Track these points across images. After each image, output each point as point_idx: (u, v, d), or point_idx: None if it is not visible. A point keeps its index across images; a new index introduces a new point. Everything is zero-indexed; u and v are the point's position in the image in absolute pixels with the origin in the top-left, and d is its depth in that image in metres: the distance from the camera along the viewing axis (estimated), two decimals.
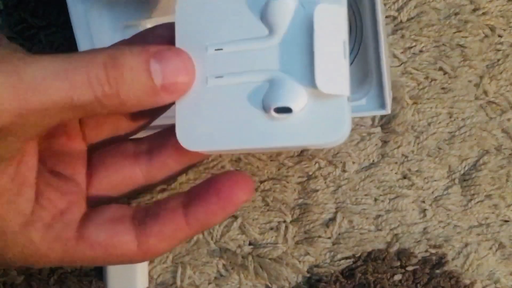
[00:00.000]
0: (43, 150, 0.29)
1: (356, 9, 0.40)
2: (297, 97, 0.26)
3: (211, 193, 0.28)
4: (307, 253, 0.43)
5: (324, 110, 0.26)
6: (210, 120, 0.28)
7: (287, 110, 0.26)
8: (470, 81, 0.44)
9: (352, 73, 0.40)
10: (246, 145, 0.27)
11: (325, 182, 0.43)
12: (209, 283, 0.43)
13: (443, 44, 0.44)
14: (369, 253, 0.42)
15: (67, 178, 0.30)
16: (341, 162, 0.43)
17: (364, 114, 0.37)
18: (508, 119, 0.43)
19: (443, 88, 0.43)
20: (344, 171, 0.43)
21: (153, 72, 0.26)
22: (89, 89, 0.25)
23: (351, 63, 0.40)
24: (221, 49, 0.27)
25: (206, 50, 0.28)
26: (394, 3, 0.44)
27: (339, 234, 0.43)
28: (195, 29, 0.28)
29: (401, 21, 0.44)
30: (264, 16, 0.27)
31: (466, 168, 0.43)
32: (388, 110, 0.37)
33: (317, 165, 0.43)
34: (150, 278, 0.44)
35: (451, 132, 0.43)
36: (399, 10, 0.44)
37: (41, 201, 0.28)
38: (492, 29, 0.44)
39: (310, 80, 0.26)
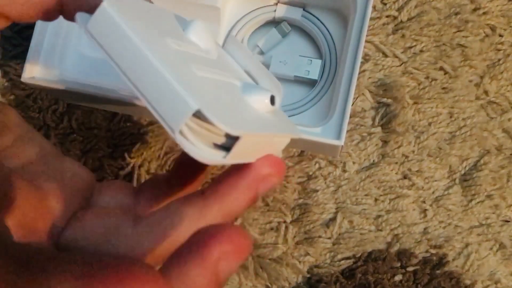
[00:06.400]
0: None
1: (330, 37, 0.40)
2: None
3: (190, 250, 0.21)
4: (307, 254, 0.42)
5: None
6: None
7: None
8: (470, 81, 0.44)
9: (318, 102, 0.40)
10: None
11: (325, 182, 0.43)
12: None
13: (443, 44, 0.44)
14: (370, 254, 0.42)
15: None
16: (341, 162, 0.43)
17: (316, 139, 0.37)
18: (509, 119, 0.43)
19: (443, 88, 0.43)
20: (344, 171, 0.43)
21: None
22: None
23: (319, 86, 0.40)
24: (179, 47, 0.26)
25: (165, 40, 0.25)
26: (394, 2, 0.44)
27: (339, 234, 0.43)
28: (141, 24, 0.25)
29: (401, 21, 0.44)
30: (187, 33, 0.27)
31: (467, 168, 0.43)
32: (342, 142, 0.36)
33: (317, 165, 0.43)
34: None
35: (451, 132, 0.43)
36: (400, 10, 0.44)
37: None
38: (493, 28, 0.44)
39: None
